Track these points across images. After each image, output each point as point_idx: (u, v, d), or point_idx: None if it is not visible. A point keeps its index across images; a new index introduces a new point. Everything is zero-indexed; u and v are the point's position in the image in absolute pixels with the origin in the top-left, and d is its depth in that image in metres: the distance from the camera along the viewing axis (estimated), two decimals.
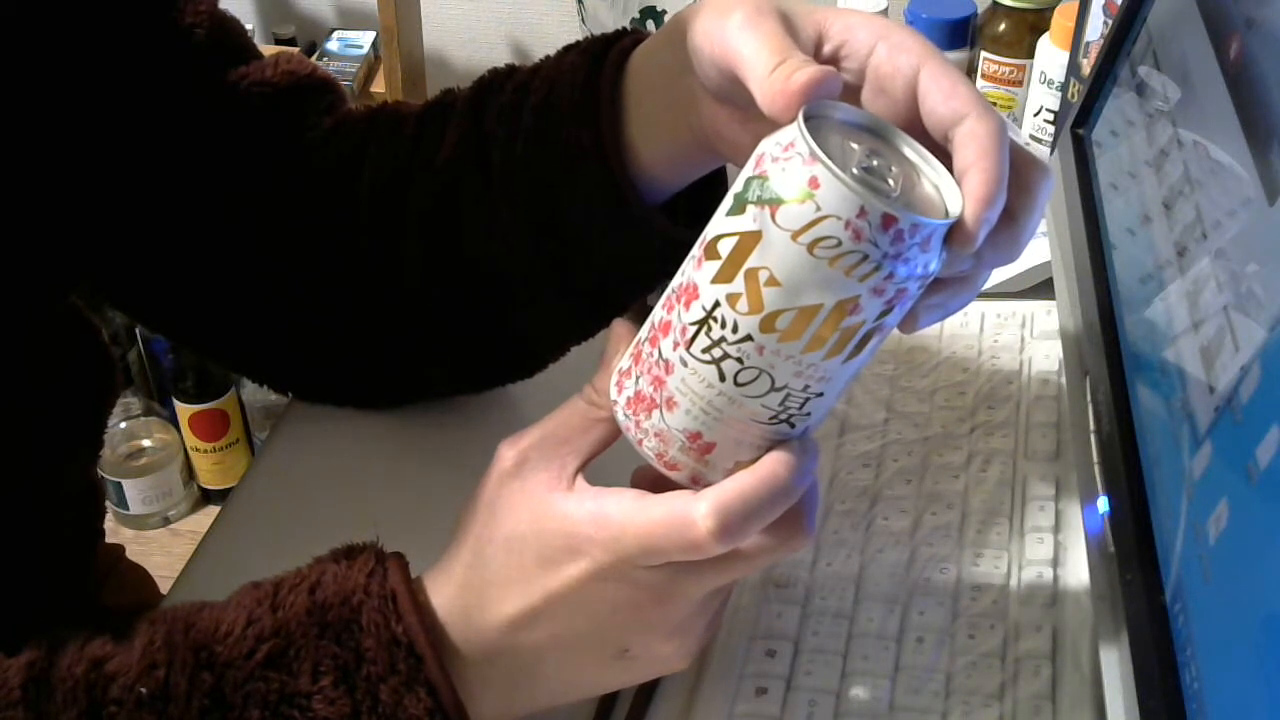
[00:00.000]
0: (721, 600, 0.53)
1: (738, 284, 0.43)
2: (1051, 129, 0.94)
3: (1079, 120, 0.71)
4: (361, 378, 0.73)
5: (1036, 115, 0.95)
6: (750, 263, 0.42)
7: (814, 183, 0.41)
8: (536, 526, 0.48)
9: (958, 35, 1.00)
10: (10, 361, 0.60)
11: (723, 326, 0.43)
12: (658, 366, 0.46)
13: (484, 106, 0.62)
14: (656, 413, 0.46)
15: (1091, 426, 0.58)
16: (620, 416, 0.48)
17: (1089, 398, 0.59)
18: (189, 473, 1.95)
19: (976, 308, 0.76)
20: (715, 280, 0.43)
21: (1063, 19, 0.91)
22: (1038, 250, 0.76)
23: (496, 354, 0.68)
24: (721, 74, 0.49)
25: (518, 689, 0.51)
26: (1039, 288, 0.79)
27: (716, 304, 0.43)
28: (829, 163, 0.41)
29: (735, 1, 0.48)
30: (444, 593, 0.51)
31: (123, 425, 1.91)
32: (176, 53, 0.64)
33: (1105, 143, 0.69)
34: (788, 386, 0.44)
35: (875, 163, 0.42)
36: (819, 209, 0.41)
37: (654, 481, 0.48)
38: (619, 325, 0.50)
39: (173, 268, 0.68)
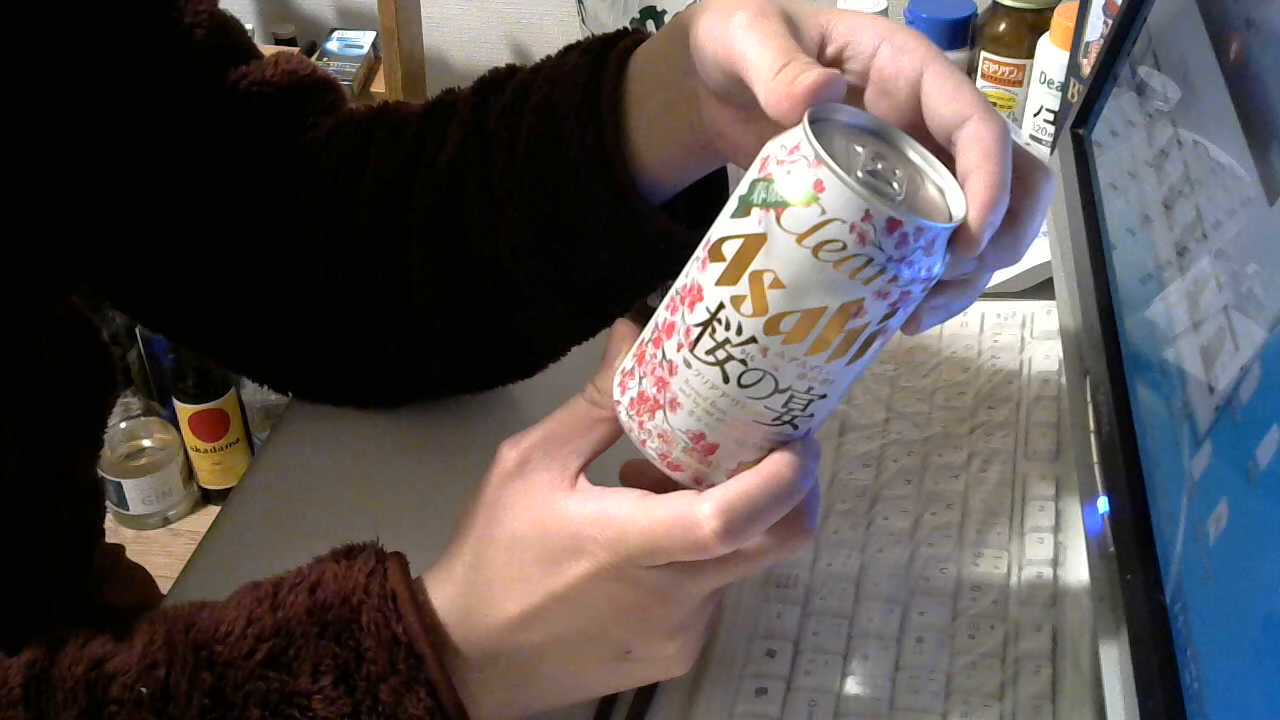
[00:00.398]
0: (719, 600, 0.53)
1: (742, 286, 0.43)
2: (1051, 129, 0.94)
3: (1079, 120, 0.71)
4: (361, 378, 0.73)
5: (1036, 115, 0.95)
6: (755, 265, 0.42)
7: (819, 186, 0.41)
8: (539, 526, 0.48)
9: (958, 35, 1.00)
10: (10, 361, 0.60)
11: (727, 328, 0.43)
12: (661, 368, 0.46)
13: (486, 106, 0.62)
14: (660, 414, 0.46)
15: (1091, 426, 0.58)
16: (623, 417, 0.48)
17: (1089, 398, 0.59)
18: (189, 473, 1.95)
19: (976, 308, 0.76)
20: (719, 282, 0.43)
21: (1063, 19, 0.91)
22: (1038, 250, 0.76)
23: (497, 354, 0.68)
24: (725, 75, 0.49)
25: (518, 689, 0.51)
26: (1039, 288, 0.79)
27: (721, 306, 0.43)
28: (834, 166, 0.41)
29: (739, 2, 0.48)
30: (444, 592, 0.51)
31: (123, 425, 1.91)
32: (176, 52, 0.64)
33: (1105, 143, 0.69)
34: (791, 388, 0.44)
35: (880, 166, 0.43)
36: (824, 212, 0.41)
37: (656, 482, 0.48)
38: (621, 325, 0.50)
39: (173, 268, 0.68)
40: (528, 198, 0.59)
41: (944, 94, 0.45)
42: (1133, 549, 0.50)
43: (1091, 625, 0.57)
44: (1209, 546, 0.45)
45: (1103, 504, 0.54)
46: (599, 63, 0.57)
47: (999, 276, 0.76)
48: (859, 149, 0.43)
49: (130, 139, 0.63)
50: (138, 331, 1.92)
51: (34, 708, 0.48)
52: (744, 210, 0.43)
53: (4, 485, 0.60)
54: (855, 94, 0.48)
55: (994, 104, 0.72)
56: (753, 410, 0.45)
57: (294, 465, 0.74)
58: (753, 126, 0.52)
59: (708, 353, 0.44)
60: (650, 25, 0.89)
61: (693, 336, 0.44)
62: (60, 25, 0.59)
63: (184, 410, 1.88)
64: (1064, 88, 0.90)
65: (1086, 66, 0.85)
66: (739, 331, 0.43)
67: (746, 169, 0.45)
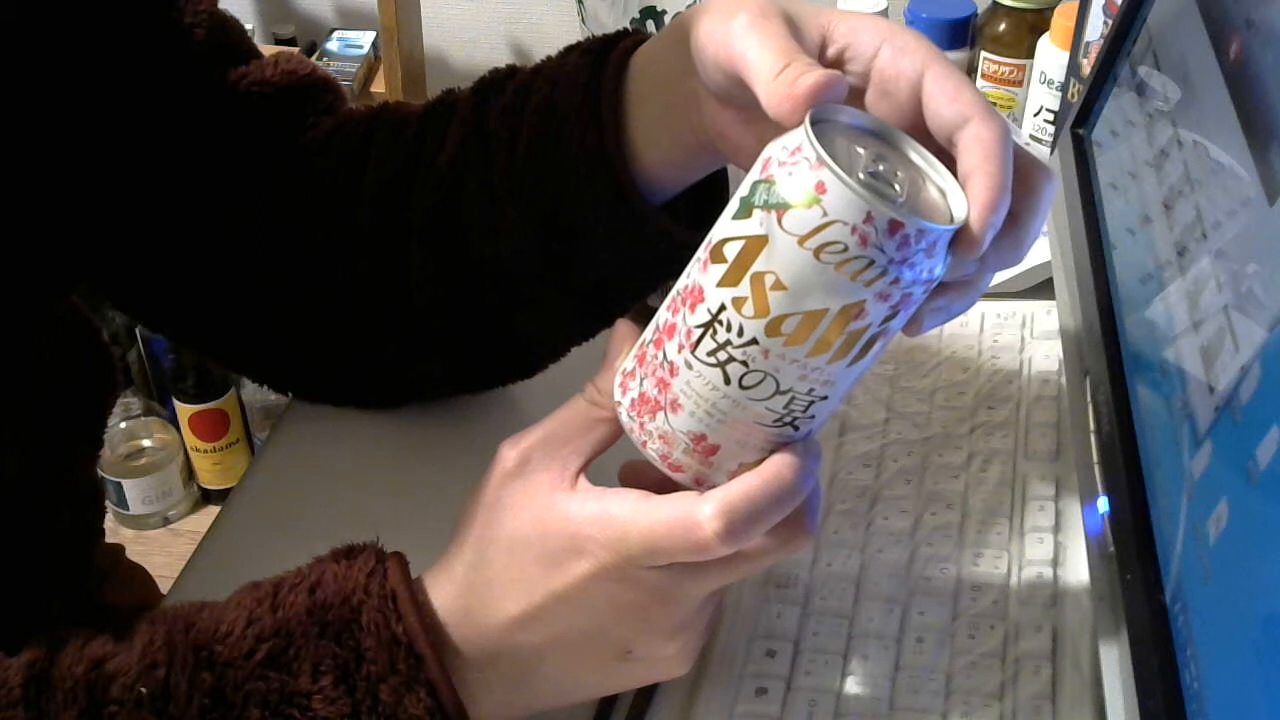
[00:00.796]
0: (719, 600, 0.53)
1: (743, 288, 0.43)
2: (1051, 129, 0.94)
3: (1079, 120, 0.71)
4: (361, 378, 0.73)
5: (1036, 115, 0.95)
6: (756, 267, 0.42)
7: (821, 188, 0.41)
8: (539, 526, 0.48)
9: (958, 35, 1.00)
10: (11, 361, 0.60)
11: (728, 330, 0.43)
12: (662, 369, 0.46)
13: (486, 106, 0.62)
14: (661, 415, 0.46)
15: (1091, 426, 0.58)
16: (624, 418, 0.48)
17: (1089, 398, 0.59)
18: (189, 473, 1.95)
19: (976, 308, 0.76)
20: (721, 284, 0.43)
21: (1063, 19, 0.91)
22: (1038, 250, 0.76)
23: (497, 354, 0.68)
24: (725, 76, 0.49)
25: (519, 689, 0.51)
26: (1039, 288, 0.79)
27: (722, 307, 0.43)
28: (836, 168, 0.41)
29: (739, 3, 0.48)
30: (445, 592, 0.51)
31: (123, 425, 1.91)
32: (176, 52, 0.64)
33: (1105, 143, 0.69)
34: (792, 390, 0.44)
35: (881, 167, 0.43)
36: (826, 214, 0.41)
37: (657, 482, 0.48)
38: (622, 325, 0.50)
39: (173, 268, 0.68)
40: (528, 198, 0.59)
41: (945, 95, 0.45)
42: (1133, 549, 0.50)
43: (1091, 625, 0.57)
44: (1209, 546, 0.45)
45: (1103, 504, 0.54)
46: (599, 63, 0.57)
47: (999, 276, 0.76)
48: (860, 150, 0.43)
49: (130, 139, 0.63)
50: (138, 331, 1.92)
51: (34, 708, 0.48)
52: (745, 212, 0.43)
53: (4, 485, 0.60)
54: (856, 95, 0.48)
55: (994, 104, 0.72)
56: (754, 411, 0.45)
57: (294, 465, 0.74)
58: (753, 128, 0.52)
59: (709, 354, 0.44)
60: (650, 25, 0.89)
61: (694, 338, 0.44)
62: (60, 25, 0.59)
63: (184, 410, 1.88)
64: (1064, 88, 0.90)
65: (1086, 66, 0.85)
66: (740, 333, 0.43)
67: (747, 170, 0.45)
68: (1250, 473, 0.43)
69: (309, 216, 0.66)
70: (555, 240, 0.60)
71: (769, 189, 0.42)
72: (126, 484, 1.87)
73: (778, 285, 0.42)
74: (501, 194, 0.60)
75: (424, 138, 0.64)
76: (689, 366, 0.45)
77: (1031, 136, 0.96)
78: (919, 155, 0.44)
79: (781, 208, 0.42)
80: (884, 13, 0.99)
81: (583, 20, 0.92)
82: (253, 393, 1.91)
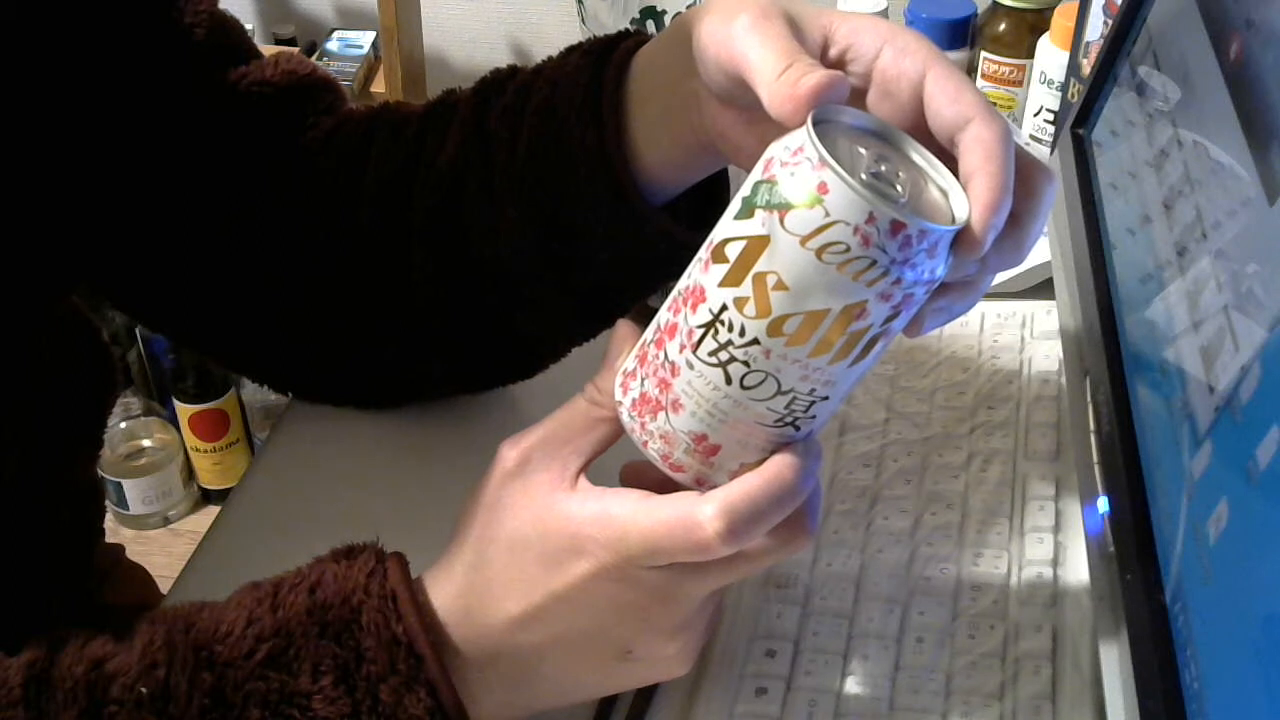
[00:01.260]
0: (719, 600, 0.53)
1: (745, 288, 0.43)
2: (1051, 129, 0.94)
3: (1079, 120, 0.71)
4: (361, 378, 0.73)
5: (1036, 115, 0.95)
6: (758, 267, 0.42)
7: (823, 188, 0.41)
8: (539, 526, 0.48)
9: (958, 35, 1.00)
10: (11, 361, 0.60)
11: (729, 330, 0.43)
12: (664, 369, 0.46)
13: (487, 107, 0.62)
14: (662, 415, 0.46)
15: (1091, 426, 0.58)
16: (625, 418, 0.48)
17: (1089, 398, 0.59)
18: (189, 473, 1.95)
19: (976, 307, 0.76)
20: (722, 284, 0.43)
21: (1063, 19, 0.91)
22: (1038, 250, 0.76)
23: (497, 354, 0.68)
24: (727, 77, 0.49)
25: (519, 689, 0.51)
26: (1039, 288, 0.79)
27: (724, 307, 0.43)
28: (838, 168, 0.41)
29: (741, 4, 0.48)
30: (445, 592, 0.51)
31: (123, 425, 1.91)
32: (176, 52, 0.64)
33: (1105, 143, 0.69)
34: (794, 390, 0.44)
35: (883, 168, 0.43)
36: (828, 214, 0.41)
37: (657, 483, 0.48)
38: (622, 326, 0.50)
39: (173, 268, 0.68)
40: (528, 198, 0.59)
41: (946, 96, 0.45)
42: (1133, 549, 0.50)
43: (1091, 625, 0.57)
44: (1209, 546, 0.45)
45: (1103, 504, 0.54)
46: (600, 64, 0.57)
47: (999, 276, 0.75)
48: (862, 151, 0.43)
49: (130, 139, 0.63)
50: (138, 331, 1.92)
51: (34, 708, 0.48)
52: (747, 212, 0.43)
53: (4, 485, 0.60)
54: (857, 96, 0.48)
55: (994, 104, 0.72)
56: (755, 412, 0.45)
57: (294, 465, 0.74)
58: (754, 128, 0.52)
59: (710, 354, 0.44)
60: (650, 25, 0.89)
61: (695, 338, 0.44)
62: (60, 25, 0.59)
63: (184, 410, 1.88)
64: (1064, 88, 0.90)
65: (1086, 66, 0.85)
66: (742, 333, 0.43)
67: (748, 170, 0.45)
68: (1250, 473, 0.43)
69: (309, 216, 0.66)
70: (555, 240, 0.60)
71: (771, 189, 0.42)
72: (126, 484, 1.87)
73: (779, 285, 0.42)
74: (502, 194, 0.60)
75: (424, 138, 0.64)
76: (690, 366, 0.45)
77: (1031, 136, 0.96)
78: (920, 156, 0.44)
79: (784, 208, 0.42)
80: (884, 13, 0.99)
81: (583, 20, 0.92)
82: (253, 393, 1.91)
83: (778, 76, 0.45)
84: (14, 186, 0.58)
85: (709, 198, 0.61)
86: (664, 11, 0.89)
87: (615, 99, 0.57)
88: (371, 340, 0.68)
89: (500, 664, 0.50)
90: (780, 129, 0.44)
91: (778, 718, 0.56)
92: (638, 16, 0.89)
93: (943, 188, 0.44)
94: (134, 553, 0.88)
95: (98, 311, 1.09)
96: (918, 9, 1.01)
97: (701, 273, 0.44)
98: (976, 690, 0.56)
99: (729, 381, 0.44)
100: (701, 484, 0.47)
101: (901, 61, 0.47)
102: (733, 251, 0.43)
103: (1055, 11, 0.93)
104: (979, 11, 1.01)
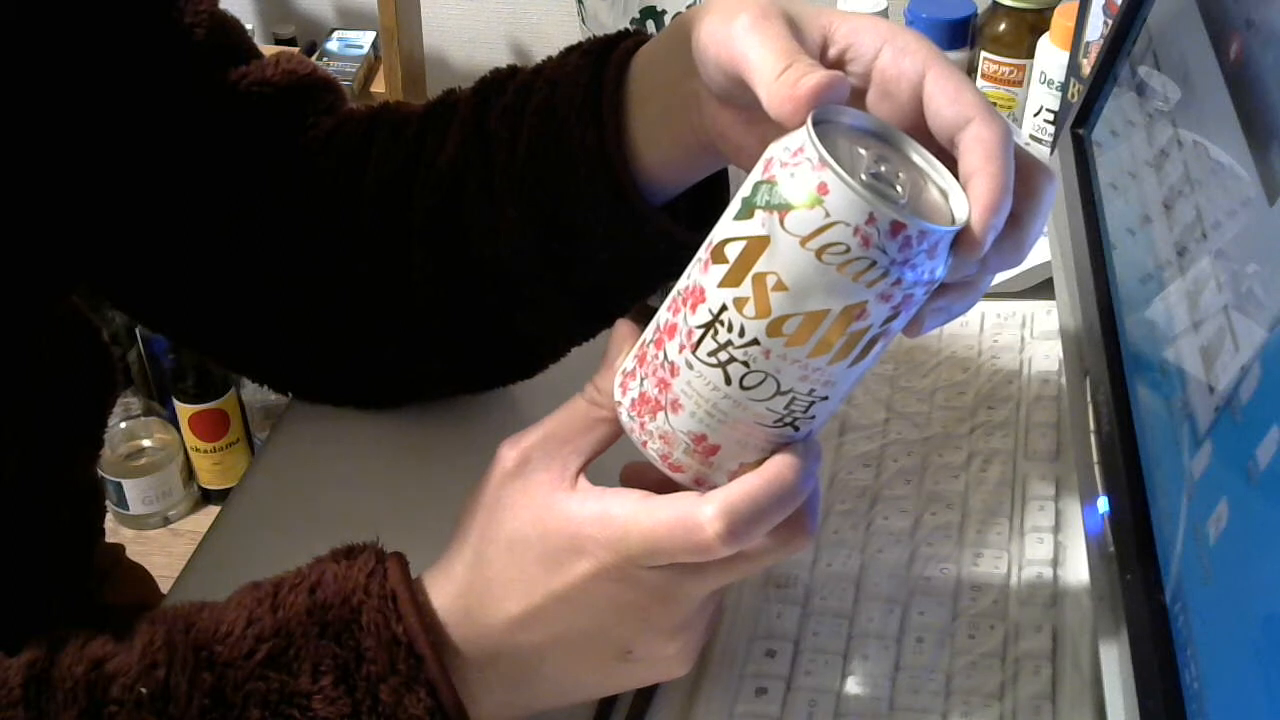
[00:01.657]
0: (719, 600, 0.53)
1: (745, 288, 0.43)
2: (1051, 129, 0.94)
3: (1079, 120, 0.71)
4: (361, 378, 0.73)
5: (1036, 115, 0.95)
6: (758, 267, 0.42)
7: (823, 189, 0.41)
8: (539, 526, 0.48)
9: (958, 35, 1.00)
10: (11, 361, 0.60)
11: (729, 330, 0.43)
12: (663, 369, 0.46)
13: (487, 107, 0.62)
14: (661, 415, 0.46)
15: (1091, 426, 0.58)
16: (625, 418, 0.48)
17: (1089, 398, 0.59)
18: (189, 473, 1.95)
19: (976, 307, 0.76)
20: (722, 284, 0.43)
21: (1063, 19, 0.91)
22: (1038, 250, 0.76)
23: (497, 354, 0.68)
24: (727, 77, 0.49)
25: (519, 689, 0.51)
26: (1039, 288, 0.79)
27: (723, 308, 0.43)
28: (838, 169, 0.41)
29: (741, 4, 0.48)
30: (445, 592, 0.51)
31: (123, 425, 1.91)
32: (176, 52, 0.64)
33: (1105, 143, 0.69)
34: (793, 390, 0.44)
35: (883, 168, 0.43)
36: (828, 215, 0.41)
37: (657, 483, 0.48)
38: (622, 325, 0.50)
39: (173, 268, 0.68)
40: (528, 198, 0.59)
41: (946, 96, 0.45)
42: (1133, 549, 0.50)
43: (1091, 625, 0.57)
44: (1209, 546, 0.45)
45: (1103, 504, 0.54)
46: (600, 64, 0.57)
47: (999, 276, 0.75)
48: (862, 151, 0.43)
49: (130, 139, 0.63)
50: (138, 331, 1.92)
51: (34, 708, 0.48)
52: (747, 212, 0.43)
53: (4, 485, 0.60)
54: (857, 96, 0.48)
55: (994, 104, 0.72)
56: (754, 412, 0.45)
57: (294, 465, 0.74)
58: (754, 128, 0.52)
59: (710, 354, 0.44)
60: (650, 25, 0.89)
61: (695, 338, 0.44)
62: (60, 25, 0.59)
63: (184, 410, 1.88)
64: (1064, 88, 0.90)
65: (1086, 66, 0.85)
66: (741, 333, 0.43)
67: (747, 170, 0.45)
68: (1250, 473, 0.43)
69: (309, 216, 0.66)
70: (555, 240, 0.60)
71: (771, 190, 0.42)
72: (126, 484, 1.87)
73: (779, 286, 0.42)
74: (502, 194, 0.60)
75: (424, 138, 0.64)
76: (690, 367, 0.45)
77: (1031, 136, 0.96)
78: (920, 156, 0.44)
79: (784, 208, 0.42)
80: (884, 13, 0.99)
81: (583, 20, 0.92)
82: (253, 393, 1.91)
83: (777, 77, 0.45)
84: (14, 186, 0.58)
85: (709, 198, 0.61)
86: (664, 11, 0.89)
87: (615, 99, 0.57)
88: (371, 340, 0.68)
89: (500, 664, 0.50)
90: (780, 129, 0.44)
91: (778, 718, 0.56)
92: (637, 16, 0.89)
93: (942, 188, 0.44)
94: (134, 553, 0.88)
95: (98, 311, 1.09)
96: (918, 9, 1.01)
97: (701, 273, 0.44)
98: (976, 690, 0.56)
99: (728, 382, 0.44)
100: (701, 484, 0.47)
101: (901, 61, 0.47)
102: (732, 252, 0.43)
103: (1055, 11, 0.93)
104: (979, 11, 1.01)
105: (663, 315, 0.46)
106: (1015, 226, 0.45)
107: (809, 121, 0.42)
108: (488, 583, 0.50)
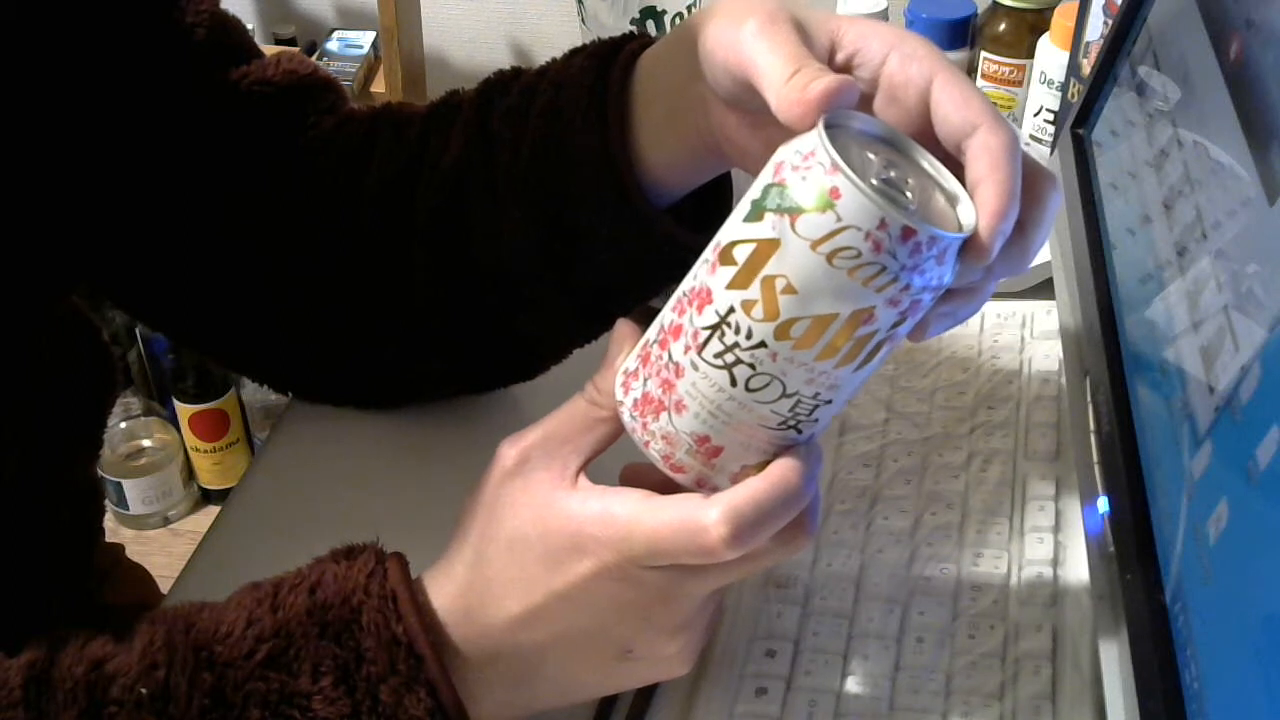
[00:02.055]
0: (719, 600, 0.53)
1: (753, 290, 0.43)
2: (1051, 129, 0.94)
3: (1079, 120, 0.71)
4: (361, 378, 0.73)
5: (1036, 115, 0.95)
6: (767, 270, 0.42)
7: (835, 193, 0.41)
8: (540, 525, 0.48)
9: (958, 35, 1.00)
10: (11, 361, 0.60)
11: (736, 332, 0.43)
12: (667, 369, 0.46)
13: (490, 108, 0.62)
14: (665, 415, 0.46)
15: (1091, 426, 0.58)
16: (627, 418, 0.48)
17: (1089, 398, 0.59)
18: (189, 473, 1.95)
19: None
20: (730, 286, 0.43)
21: (1063, 19, 0.91)
22: None
23: (498, 354, 0.68)
24: (734, 81, 0.49)
25: (519, 689, 0.51)
26: (1039, 288, 0.79)
27: (731, 309, 0.43)
28: (850, 174, 0.41)
29: (748, 8, 0.48)
30: (445, 592, 0.51)
31: (123, 425, 1.91)
32: (177, 52, 0.64)
33: (1105, 143, 0.69)
34: (798, 393, 0.44)
35: (893, 173, 0.43)
36: (840, 219, 0.41)
37: (657, 484, 0.48)
38: (623, 325, 0.50)
39: (173, 267, 0.68)
40: (532, 199, 0.59)
41: (953, 102, 0.45)
42: (1133, 549, 0.50)
43: (1091, 625, 0.57)
44: (1209, 546, 0.45)
45: (1103, 504, 0.54)
46: (606, 66, 0.57)
47: None
48: (872, 156, 0.43)
49: (131, 138, 0.63)
50: (138, 331, 1.92)
51: (34, 708, 0.48)
52: (757, 215, 0.43)
53: (4, 485, 0.60)
54: (864, 101, 0.48)
55: (994, 104, 0.72)
56: (759, 414, 0.45)
57: (294, 465, 0.74)
58: (760, 132, 0.52)
59: (716, 356, 0.44)
60: (650, 26, 0.89)
61: (701, 339, 0.44)
62: (61, 25, 0.59)
63: (184, 410, 1.88)
64: (1064, 88, 0.90)
65: (1086, 66, 0.85)
66: (749, 336, 0.43)
67: (752, 174, 0.45)
68: (1250, 473, 0.43)
69: (310, 216, 0.66)
70: (558, 242, 0.60)
71: (781, 193, 0.42)
72: (126, 484, 1.87)
73: (789, 289, 0.42)
74: (505, 195, 0.60)
75: (427, 138, 0.64)
76: (695, 368, 0.45)
77: (1031, 136, 0.96)
78: (928, 162, 0.44)
79: (794, 212, 0.42)
80: (884, 13, 0.99)
81: (583, 21, 0.92)
82: (253, 393, 1.91)
83: (786, 80, 0.45)
84: (14, 186, 0.58)
85: (713, 201, 0.61)
86: (664, 12, 0.89)
87: (620, 101, 0.57)
88: (371, 340, 0.68)
89: (501, 663, 0.50)
90: (786, 133, 0.44)
91: (778, 718, 0.56)
92: (638, 17, 0.89)
93: (949, 194, 0.44)
94: (134, 553, 0.88)
95: (98, 311, 1.09)
96: (918, 9, 1.01)
97: (708, 274, 0.44)
98: (976, 690, 0.56)
99: (734, 384, 0.44)
100: (702, 485, 0.47)
101: (909, 67, 0.47)
102: (741, 254, 0.43)
103: (1055, 11, 0.93)
104: (979, 11, 1.01)
105: (667, 316, 0.46)
106: (1020, 234, 0.45)
107: (821, 125, 0.42)
108: (488, 582, 0.50)
